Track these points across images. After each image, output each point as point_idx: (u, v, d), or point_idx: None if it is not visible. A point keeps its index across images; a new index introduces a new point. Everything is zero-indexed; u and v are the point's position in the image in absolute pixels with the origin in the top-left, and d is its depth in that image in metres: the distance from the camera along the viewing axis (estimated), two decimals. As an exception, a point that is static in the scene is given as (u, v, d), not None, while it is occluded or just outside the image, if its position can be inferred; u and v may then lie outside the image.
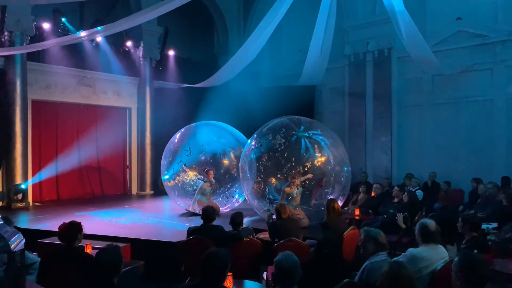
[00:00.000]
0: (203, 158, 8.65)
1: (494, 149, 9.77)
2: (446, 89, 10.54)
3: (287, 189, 6.85)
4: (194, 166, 8.52)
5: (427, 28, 10.52)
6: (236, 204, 8.79)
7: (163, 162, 8.79)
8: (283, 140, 6.95)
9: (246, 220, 6.11)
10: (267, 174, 7.14)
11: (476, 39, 9.96)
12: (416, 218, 6.27)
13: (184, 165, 8.49)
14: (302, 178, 6.94)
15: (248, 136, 7.84)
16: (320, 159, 7.00)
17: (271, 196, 7.07)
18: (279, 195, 6.97)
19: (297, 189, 6.84)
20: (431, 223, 3.52)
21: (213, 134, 8.82)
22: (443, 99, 10.61)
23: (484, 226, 5.85)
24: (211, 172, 8.29)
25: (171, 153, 8.71)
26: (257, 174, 7.15)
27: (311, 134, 7.10)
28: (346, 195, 7.44)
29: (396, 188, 7.53)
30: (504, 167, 9.37)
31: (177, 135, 8.90)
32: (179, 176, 8.49)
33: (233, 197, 8.74)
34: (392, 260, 3.01)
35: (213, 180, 8.38)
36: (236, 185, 8.56)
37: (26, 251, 4.64)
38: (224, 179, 8.76)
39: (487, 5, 9.87)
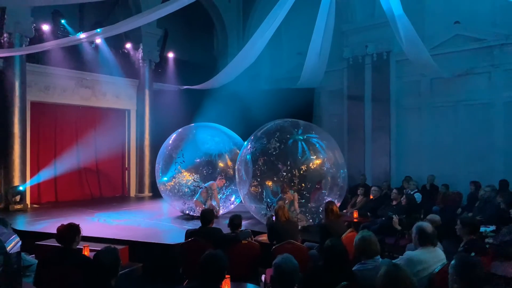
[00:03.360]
0: (198, 160, 8.62)
1: (492, 152, 9.78)
2: (445, 92, 10.56)
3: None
4: (190, 168, 8.51)
5: (426, 31, 10.53)
6: (232, 206, 8.79)
7: (158, 166, 8.80)
8: (278, 144, 6.94)
9: (244, 223, 6.12)
10: (263, 177, 7.13)
11: (474, 42, 9.99)
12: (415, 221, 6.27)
13: (180, 167, 8.49)
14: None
15: (247, 138, 7.85)
16: (316, 162, 6.99)
17: (268, 200, 7.07)
18: (276, 198, 6.98)
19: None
20: (427, 225, 3.53)
21: (209, 136, 8.81)
22: (442, 102, 10.64)
23: (482, 229, 5.86)
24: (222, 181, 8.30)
25: (165, 156, 8.70)
26: (254, 177, 7.14)
27: (307, 137, 7.10)
28: (342, 198, 7.43)
29: (394, 190, 7.55)
30: (502, 170, 9.37)
31: (172, 136, 8.90)
32: (175, 178, 8.49)
33: (229, 199, 8.74)
34: (389, 262, 3.01)
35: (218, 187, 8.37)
36: (232, 187, 8.56)
37: (23, 253, 4.63)
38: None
39: (485, 9, 9.89)
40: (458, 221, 4.19)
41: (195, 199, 8.11)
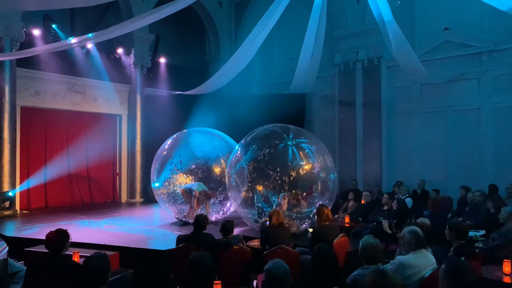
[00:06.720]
0: (193, 166, 8.54)
1: (482, 157, 9.90)
2: (435, 98, 10.68)
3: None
4: (185, 171, 8.45)
5: (416, 38, 10.68)
6: (228, 213, 8.75)
7: (153, 169, 8.72)
8: (267, 150, 6.93)
9: (236, 228, 6.10)
10: (254, 182, 7.11)
11: (463, 49, 10.13)
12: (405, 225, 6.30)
13: (175, 167, 8.42)
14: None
15: (238, 143, 7.84)
16: (306, 167, 6.99)
17: (260, 204, 7.05)
18: (266, 203, 6.97)
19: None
20: (418, 230, 3.55)
21: (207, 139, 8.75)
22: (432, 108, 10.75)
23: (472, 233, 5.91)
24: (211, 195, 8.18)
25: (161, 160, 8.63)
26: (244, 182, 7.12)
27: (297, 142, 7.10)
28: (333, 202, 7.44)
29: (386, 195, 7.60)
30: (491, 175, 9.49)
31: (168, 142, 8.85)
32: (169, 183, 8.42)
33: (225, 205, 8.69)
34: (376, 269, 3.02)
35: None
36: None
37: (11, 259, 4.58)
38: (216, 186, 8.67)
39: (474, 15, 10.03)
40: (447, 226, 4.23)
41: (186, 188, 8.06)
